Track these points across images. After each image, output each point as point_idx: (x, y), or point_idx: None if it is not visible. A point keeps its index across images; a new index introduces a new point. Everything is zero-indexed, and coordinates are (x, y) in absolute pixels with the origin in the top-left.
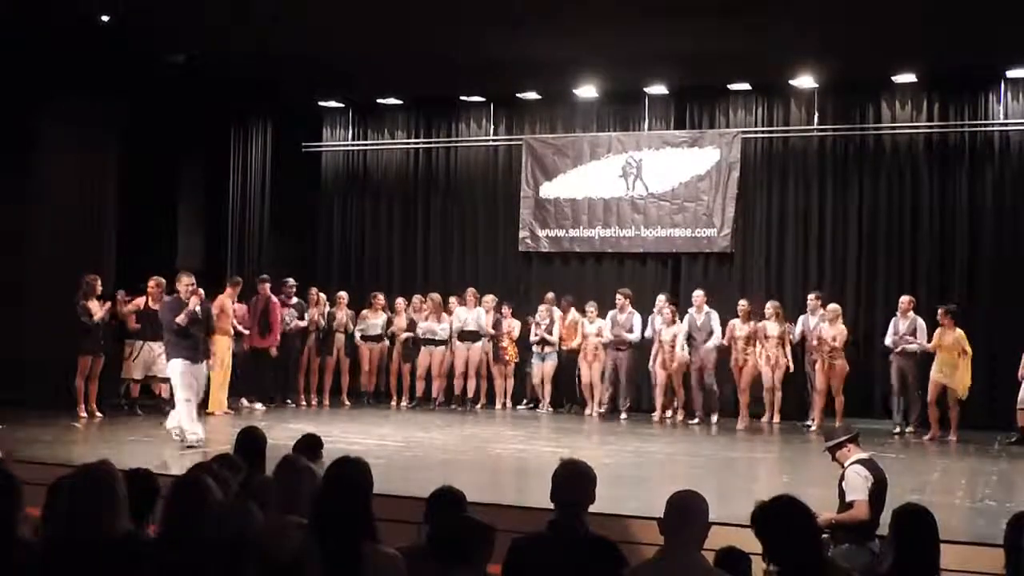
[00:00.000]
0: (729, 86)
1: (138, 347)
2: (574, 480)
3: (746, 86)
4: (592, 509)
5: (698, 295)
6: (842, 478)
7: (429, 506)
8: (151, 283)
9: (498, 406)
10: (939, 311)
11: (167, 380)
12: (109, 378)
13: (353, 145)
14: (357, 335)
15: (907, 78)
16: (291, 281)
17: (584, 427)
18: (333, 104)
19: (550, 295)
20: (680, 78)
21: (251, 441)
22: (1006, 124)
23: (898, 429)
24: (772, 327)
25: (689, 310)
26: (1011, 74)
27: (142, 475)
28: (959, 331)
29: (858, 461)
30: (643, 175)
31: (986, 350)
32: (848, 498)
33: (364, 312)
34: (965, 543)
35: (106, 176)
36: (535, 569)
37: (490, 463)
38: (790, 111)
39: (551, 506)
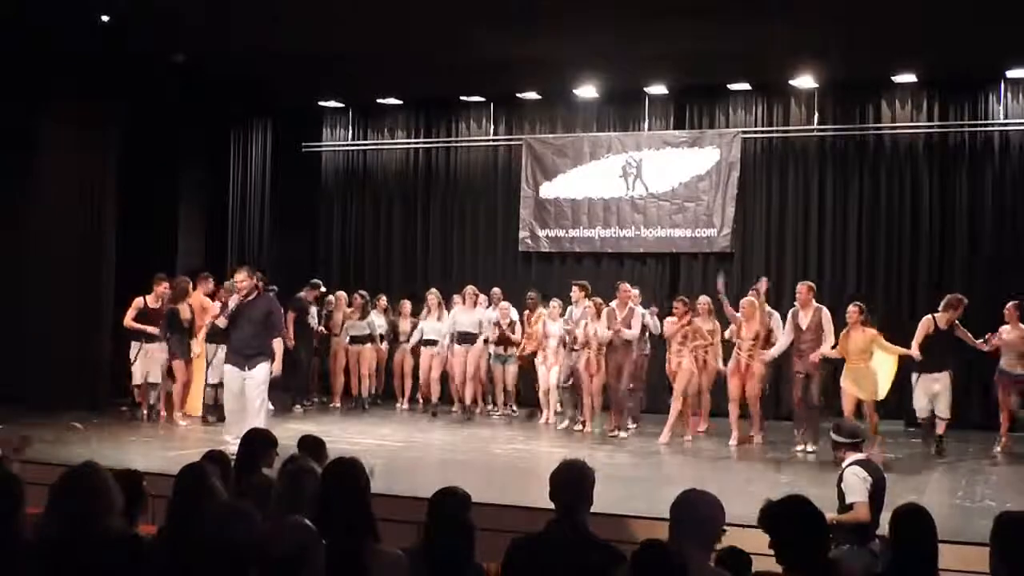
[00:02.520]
0: (729, 86)
1: (136, 349)
2: (573, 480)
3: (746, 86)
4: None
5: (623, 288)
6: (840, 479)
7: (432, 506)
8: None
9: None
10: (850, 308)
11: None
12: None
13: (353, 145)
14: (344, 338)
15: (907, 78)
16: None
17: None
18: (333, 104)
19: (496, 291)
20: (680, 78)
21: (252, 443)
22: (1006, 124)
23: (800, 447)
24: (702, 325)
25: (611, 303)
26: (1011, 74)
27: (130, 476)
28: (870, 331)
29: (856, 462)
30: (643, 175)
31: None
32: (848, 500)
33: (348, 311)
34: (965, 543)
35: (106, 176)
36: (535, 569)
37: (490, 463)
38: (790, 111)
39: (551, 506)
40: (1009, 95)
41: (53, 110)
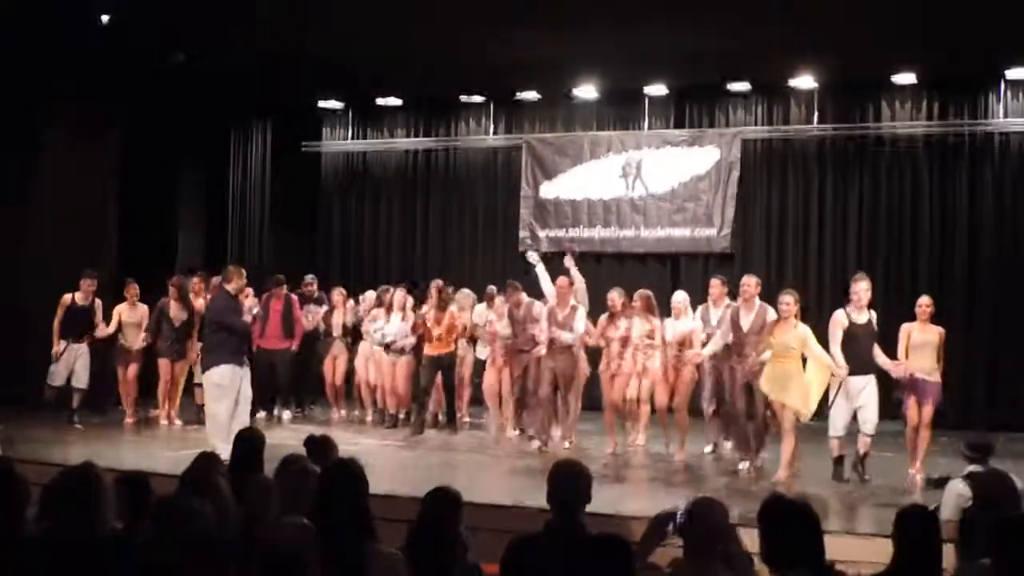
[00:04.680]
0: (729, 86)
1: (62, 347)
2: (570, 480)
3: (746, 86)
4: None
5: (559, 283)
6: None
7: (422, 505)
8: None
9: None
10: (784, 298)
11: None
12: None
13: (353, 145)
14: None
15: (907, 78)
16: (309, 277)
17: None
18: (333, 104)
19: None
20: (680, 78)
21: (249, 442)
22: (1006, 124)
23: (744, 466)
24: (640, 325)
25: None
26: (1011, 74)
27: (135, 477)
28: (801, 327)
29: (968, 475)
30: (643, 175)
31: (987, 351)
32: (941, 516)
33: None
34: None
35: (106, 176)
36: (534, 569)
37: (490, 464)
38: (790, 111)
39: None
40: (1009, 95)
41: (53, 110)
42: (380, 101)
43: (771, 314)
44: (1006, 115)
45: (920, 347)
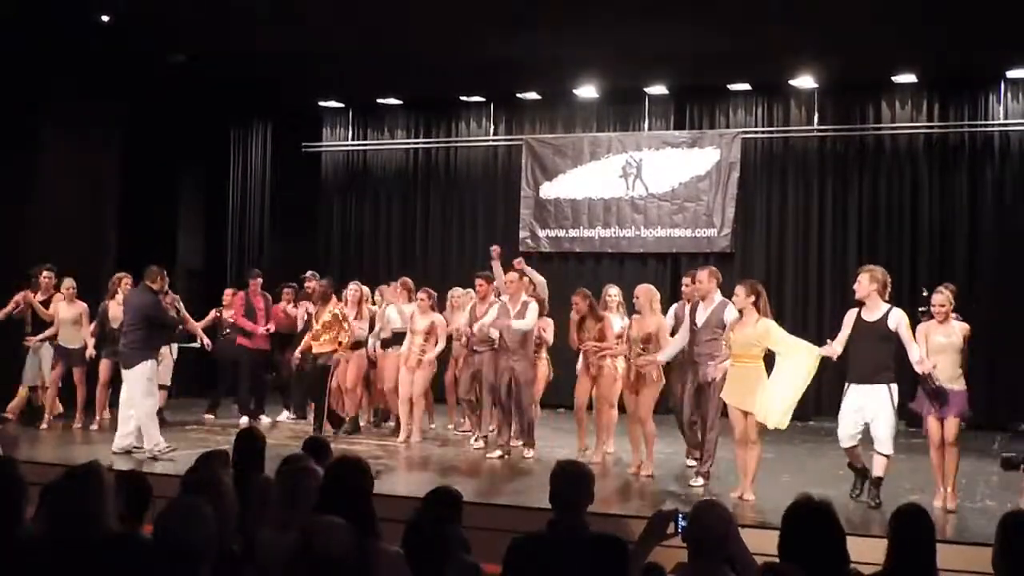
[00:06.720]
0: (729, 86)
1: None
2: (572, 480)
3: (746, 86)
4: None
5: (508, 278)
6: None
7: (424, 504)
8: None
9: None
10: (737, 289)
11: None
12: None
13: (353, 145)
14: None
15: (907, 78)
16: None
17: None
18: (333, 104)
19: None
20: (680, 78)
21: (250, 442)
22: (1006, 124)
23: (701, 482)
24: (614, 323)
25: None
26: (1011, 74)
27: (134, 477)
28: (762, 322)
29: None
30: (643, 175)
31: (987, 351)
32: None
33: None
34: (965, 543)
35: (106, 176)
36: (535, 569)
37: (490, 464)
38: (790, 111)
39: (551, 506)
40: (1009, 95)
41: (53, 110)
42: (380, 101)
43: (730, 310)
44: (1006, 115)
45: (941, 351)
